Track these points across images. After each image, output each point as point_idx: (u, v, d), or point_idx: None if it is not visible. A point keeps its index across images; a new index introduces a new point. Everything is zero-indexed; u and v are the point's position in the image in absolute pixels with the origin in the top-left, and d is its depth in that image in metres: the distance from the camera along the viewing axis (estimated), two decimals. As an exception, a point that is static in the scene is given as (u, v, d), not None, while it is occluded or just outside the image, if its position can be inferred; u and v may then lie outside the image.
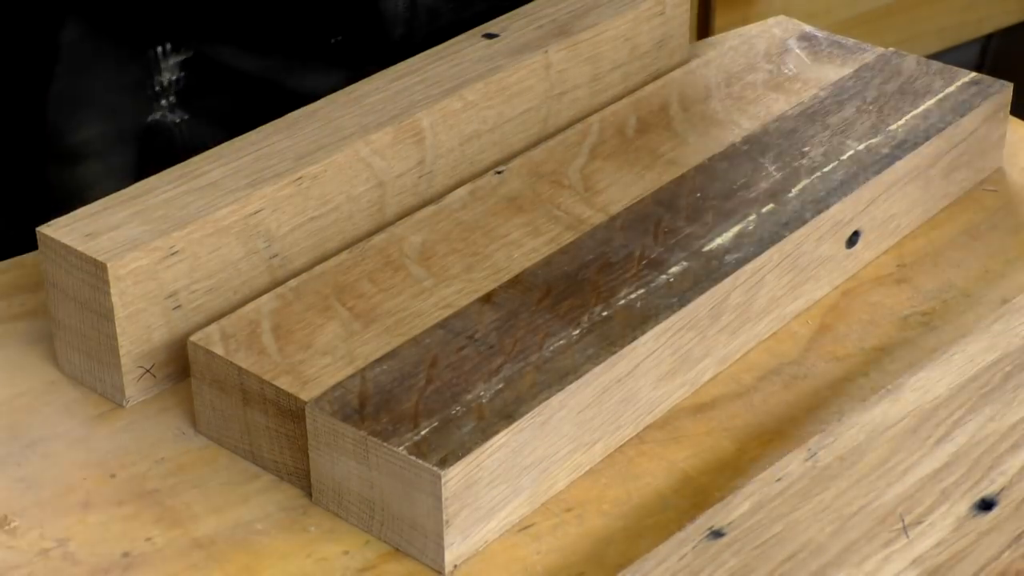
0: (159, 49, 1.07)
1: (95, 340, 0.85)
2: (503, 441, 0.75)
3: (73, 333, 0.86)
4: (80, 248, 0.83)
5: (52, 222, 0.85)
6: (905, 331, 0.91)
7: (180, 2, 1.09)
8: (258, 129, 0.94)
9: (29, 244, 0.89)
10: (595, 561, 0.76)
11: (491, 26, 1.04)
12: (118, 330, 0.84)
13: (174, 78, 1.08)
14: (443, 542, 0.75)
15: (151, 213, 0.86)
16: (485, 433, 0.75)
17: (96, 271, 0.83)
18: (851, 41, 1.10)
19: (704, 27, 1.98)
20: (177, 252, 0.85)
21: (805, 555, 0.71)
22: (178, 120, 1.08)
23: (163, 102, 1.08)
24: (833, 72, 1.06)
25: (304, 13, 1.10)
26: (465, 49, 1.01)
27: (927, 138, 0.97)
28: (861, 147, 0.96)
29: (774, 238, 0.89)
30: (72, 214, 0.86)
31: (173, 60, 1.08)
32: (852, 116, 1.00)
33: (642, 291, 0.84)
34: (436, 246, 0.89)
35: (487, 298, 0.84)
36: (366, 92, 0.97)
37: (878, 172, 0.94)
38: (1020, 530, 0.72)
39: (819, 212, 0.91)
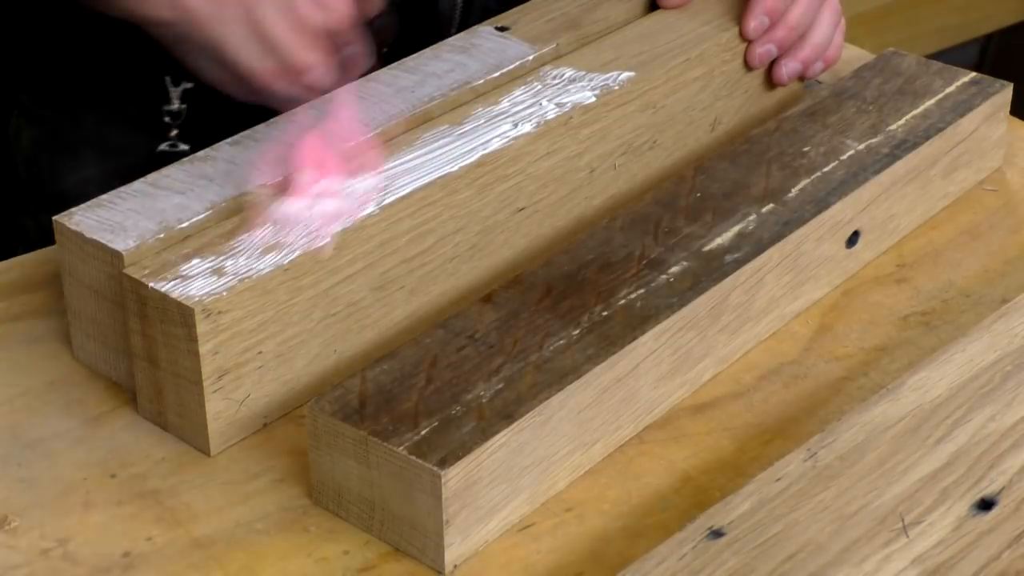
0: (167, 79, 1.08)
1: (110, 328, 0.85)
2: (503, 441, 0.75)
3: (88, 321, 0.86)
4: (96, 237, 0.83)
5: (68, 211, 0.85)
6: (905, 331, 0.91)
7: None
8: (275, 119, 0.93)
9: None
10: (595, 561, 0.76)
11: (502, 19, 1.04)
12: None
13: (178, 108, 1.08)
14: (443, 542, 0.75)
15: (167, 200, 0.86)
16: (485, 433, 0.75)
17: (112, 260, 0.83)
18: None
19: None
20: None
21: (805, 555, 0.71)
22: (187, 149, 1.09)
23: (172, 132, 1.09)
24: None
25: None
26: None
27: (927, 138, 0.97)
28: (861, 147, 0.96)
29: (774, 238, 0.89)
30: (88, 203, 0.86)
31: (177, 90, 1.08)
32: (852, 116, 1.00)
33: (642, 291, 0.84)
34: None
35: (487, 298, 0.84)
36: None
37: (878, 172, 0.94)
38: (1020, 530, 0.72)
39: (819, 212, 0.91)
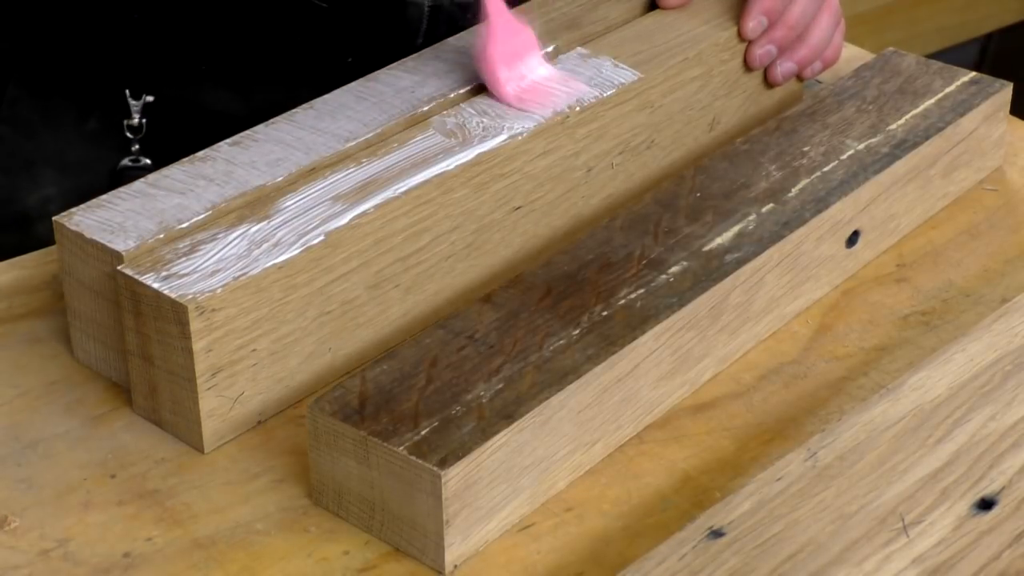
0: (126, 93, 1.07)
1: (110, 328, 0.85)
2: (503, 441, 0.75)
3: (88, 321, 0.86)
4: (96, 238, 0.83)
5: (68, 212, 0.85)
6: (905, 331, 0.91)
7: (157, 46, 1.07)
8: (279, 117, 0.93)
9: None
10: (595, 561, 0.76)
11: None
12: None
13: (138, 122, 1.08)
14: (443, 542, 0.75)
15: (167, 200, 0.86)
16: (485, 433, 0.75)
17: (112, 260, 0.83)
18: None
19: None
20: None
21: (805, 555, 0.71)
22: (149, 164, 1.08)
23: (133, 147, 1.08)
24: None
25: (313, 35, 1.09)
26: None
27: (927, 138, 0.97)
28: (861, 147, 0.96)
29: (774, 238, 0.89)
30: (88, 203, 0.86)
31: (138, 104, 1.08)
32: (852, 116, 1.00)
33: (642, 291, 0.84)
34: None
35: (487, 298, 0.84)
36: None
37: (878, 172, 0.94)
38: (1020, 530, 0.72)
39: (819, 212, 0.91)
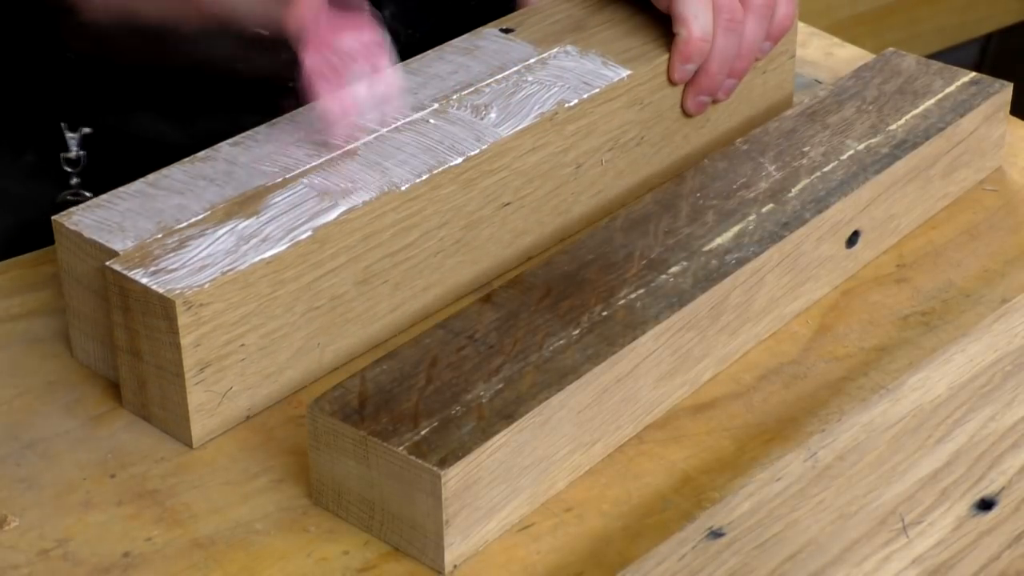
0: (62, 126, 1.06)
1: (109, 328, 0.85)
2: (503, 441, 0.75)
3: (87, 321, 0.86)
4: (94, 237, 0.83)
5: (67, 211, 0.86)
6: (905, 331, 0.91)
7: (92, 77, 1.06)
8: (281, 118, 0.93)
9: None
10: (595, 561, 0.76)
11: (507, 21, 1.04)
12: None
13: (76, 155, 1.06)
14: (443, 542, 0.75)
15: (166, 200, 0.86)
16: (485, 433, 0.75)
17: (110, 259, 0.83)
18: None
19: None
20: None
21: (805, 555, 0.71)
22: (90, 196, 1.06)
23: (72, 181, 1.07)
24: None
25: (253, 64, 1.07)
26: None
27: (927, 138, 0.97)
28: (861, 147, 0.96)
29: (774, 238, 0.89)
30: (87, 203, 0.86)
31: (75, 136, 1.06)
32: (852, 116, 1.00)
33: (642, 291, 0.84)
34: None
35: (487, 298, 0.84)
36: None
37: (878, 172, 0.94)
38: (1020, 530, 0.72)
39: (819, 212, 0.91)
